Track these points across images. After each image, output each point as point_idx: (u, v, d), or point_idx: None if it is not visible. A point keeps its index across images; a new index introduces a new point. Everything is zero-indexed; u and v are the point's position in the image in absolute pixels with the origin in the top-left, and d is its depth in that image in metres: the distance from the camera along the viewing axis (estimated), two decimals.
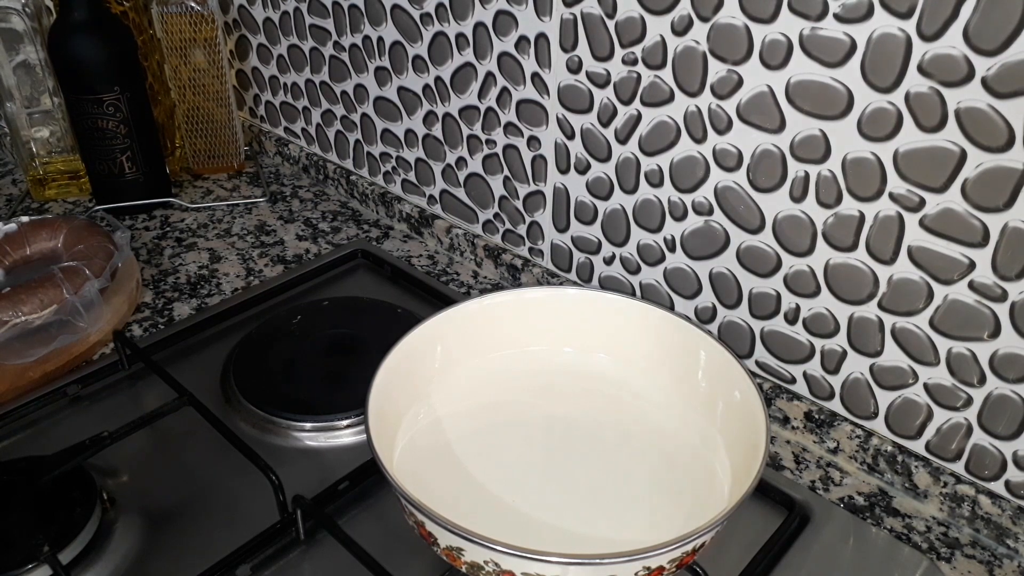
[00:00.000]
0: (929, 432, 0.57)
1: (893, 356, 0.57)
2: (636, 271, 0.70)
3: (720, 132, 0.58)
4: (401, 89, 0.81)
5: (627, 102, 0.63)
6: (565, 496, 0.51)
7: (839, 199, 0.55)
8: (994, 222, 0.49)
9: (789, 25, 0.52)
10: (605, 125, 0.65)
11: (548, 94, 0.68)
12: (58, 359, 0.65)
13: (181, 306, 0.75)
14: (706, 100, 0.58)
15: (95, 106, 0.81)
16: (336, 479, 0.55)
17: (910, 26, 0.47)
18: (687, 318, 0.57)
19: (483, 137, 0.75)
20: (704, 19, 0.56)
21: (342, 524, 0.52)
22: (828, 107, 0.52)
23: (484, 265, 0.81)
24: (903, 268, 0.54)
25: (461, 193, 0.81)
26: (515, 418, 0.56)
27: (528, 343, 0.60)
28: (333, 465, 0.58)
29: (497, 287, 0.80)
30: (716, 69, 0.57)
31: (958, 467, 0.57)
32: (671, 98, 0.60)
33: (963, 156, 0.48)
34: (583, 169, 0.69)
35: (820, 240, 0.57)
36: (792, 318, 0.61)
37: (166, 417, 0.59)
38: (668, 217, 0.65)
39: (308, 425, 0.61)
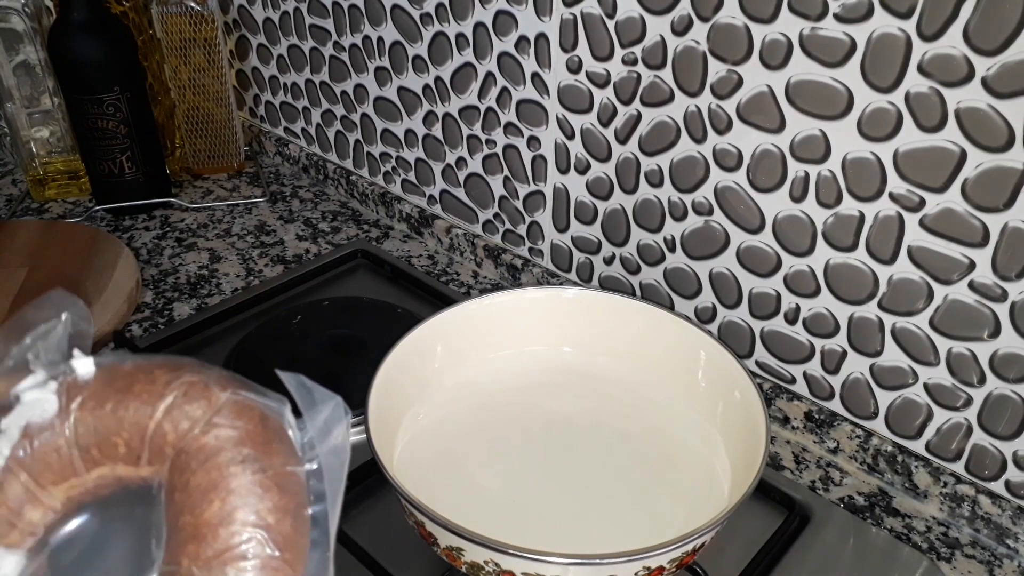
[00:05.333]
0: (929, 432, 0.57)
1: (893, 356, 0.57)
2: (636, 271, 0.70)
3: (720, 132, 0.58)
4: (401, 89, 0.81)
5: (627, 102, 0.63)
6: (565, 496, 0.51)
7: (839, 199, 0.55)
8: (994, 222, 0.49)
9: (789, 25, 0.52)
10: (605, 125, 0.65)
11: (548, 94, 0.68)
12: None
13: (181, 306, 0.75)
14: (706, 100, 0.58)
15: (95, 106, 0.81)
16: None
17: (910, 26, 0.47)
18: (687, 318, 0.57)
19: (483, 137, 0.75)
20: (704, 19, 0.56)
21: (342, 524, 0.52)
22: (828, 107, 0.52)
23: (484, 265, 0.81)
24: (903, 268, 0.54)
25: (461, 193, 0.81)
26: (515, 418, 0.56)
27: (528, 343, 0.60)
28: None
29: (497, 287, 0.80)
30: (716, 69, 0.57)
31: (958, 467, 0.57)
32: (671, 98, 0.60)
33: (963, 156, 0.48)
34: (583, 169, 0.69)
35: (820, 240, 0.57)
36: (792, 318, 0.61)
37: None
38: (668, 217, 0.65)
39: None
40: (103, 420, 0.28)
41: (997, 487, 0.55)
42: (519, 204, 0.76)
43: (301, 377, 0.29)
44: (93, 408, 0.28)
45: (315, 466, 0.28)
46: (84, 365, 0.29)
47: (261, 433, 0.28)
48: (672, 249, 0.66)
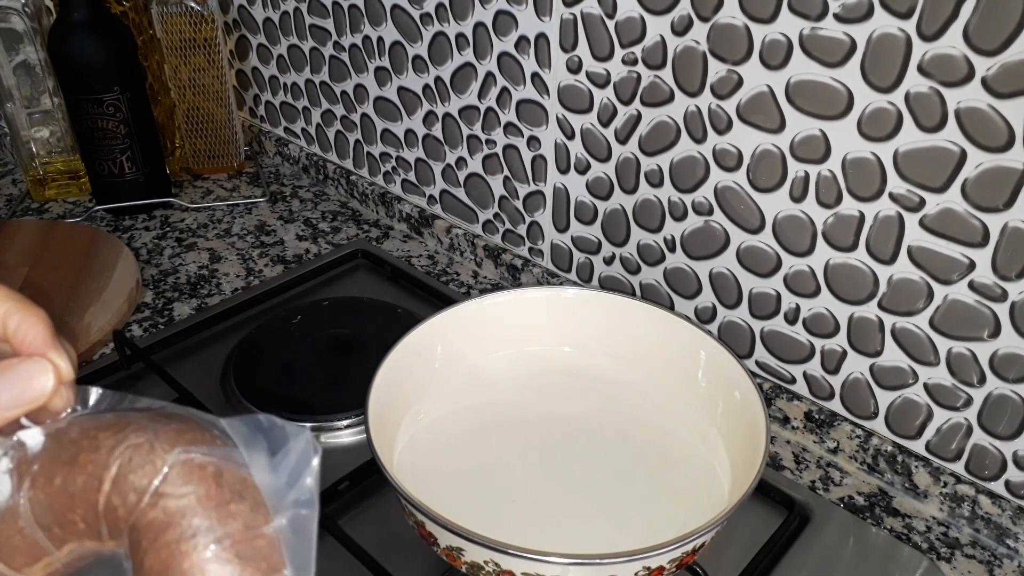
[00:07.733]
0: (929, 432, 0.57)
1: (893, 356, 0.57)
2: (636, 271, 0.70)
3: (720, 132, 0.58)
4: (401, 89, 0.81)
5: (627, 102, 0.63)
6: (565, 496, 0.51)
7: (839, 199, 0.55)
8: (994, 222, 0.49)
9: (789, 25, 0.52)
10: (605, 125, 0.65)
11: (548, 94, 0.68)
12: None
13: (181, 306, 0.75)
14: (706, 100, 0.58)
15: (95, 106, 0.81)
16: (336, 479, 0.55)
17: (910, 26, 0.47)
18: (687, 318, 0.57)
19: (483, 137, 0.75)
20: (704, 19, 0.56)
21: (342, 524, 0.52)
22: (828, 107, 0.52)
23: (484, 265, 0.81)
24: (903, 268, 0.54)
25: (461, 193, 0.81)
26: (515, 418, 0.56)
27: (528, 343, 0.60)
28: (333, 465, 0.58)
29: (497, 287, 0.80)
30: (716, 69, 0.57)
31: (958, 467, 0.57)
32: (671, 98, 0.60)
33: (963, 156, 0.48)
34: (583, 169, 0.69)
35: (820, 240, 0.57)
36: (792, 318, 0.61)
37: None
38: (668, 217, 0.65)
39: (308, 425, 0.61)
40: (55, 497, 0.26)
41: (997, 487, 0.55)
42: (519, 204, 0.76)
43: (272, 417, 0.25)
44: (44, 485, 0.26)
45: (287, 518, 0.25)
46: (32, 436, 0.26)
47: (216, 495, 0.25)
48: (672, 249, 0.66)
